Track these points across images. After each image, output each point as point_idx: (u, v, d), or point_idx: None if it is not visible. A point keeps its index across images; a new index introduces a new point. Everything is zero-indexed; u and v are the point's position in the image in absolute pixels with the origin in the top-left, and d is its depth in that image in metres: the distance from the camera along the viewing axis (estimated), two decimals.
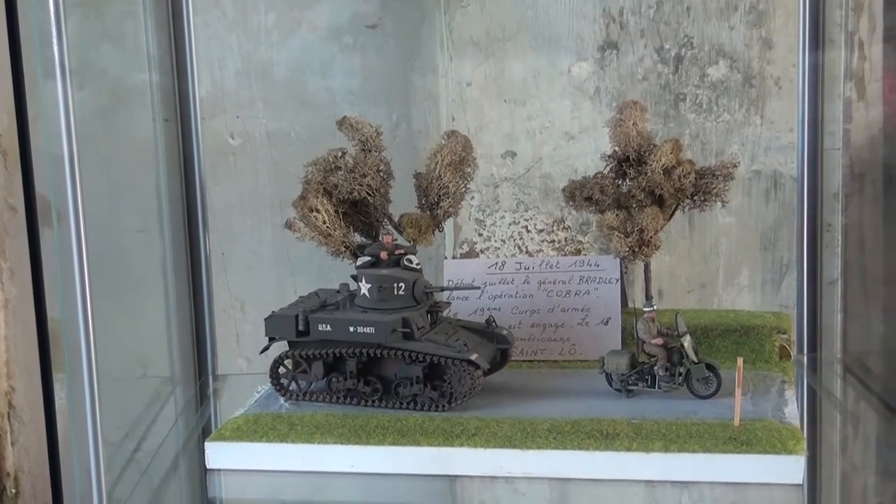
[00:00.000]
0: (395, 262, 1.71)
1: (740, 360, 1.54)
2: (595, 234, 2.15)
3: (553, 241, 2.17)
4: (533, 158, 2.15)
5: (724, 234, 2.17)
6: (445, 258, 2.11)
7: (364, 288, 1.69)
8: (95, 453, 1.42)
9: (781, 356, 1.82)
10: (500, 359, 1.73)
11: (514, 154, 2.15)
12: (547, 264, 1.86)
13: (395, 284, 1.68)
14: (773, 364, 1.80)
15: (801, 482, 1.49)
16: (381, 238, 1.73)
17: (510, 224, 2.17)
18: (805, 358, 1.98)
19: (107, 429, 1.75)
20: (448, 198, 1.81)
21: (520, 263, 1.87)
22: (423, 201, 1.83)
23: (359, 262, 1.71)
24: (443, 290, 1.75)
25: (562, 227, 2.16)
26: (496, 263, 1.88)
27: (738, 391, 1.54)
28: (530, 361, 1.85)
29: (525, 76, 2.13)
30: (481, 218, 2.17)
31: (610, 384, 1.70)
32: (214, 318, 2.08)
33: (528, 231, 2.17)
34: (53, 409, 1.82)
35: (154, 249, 2.08)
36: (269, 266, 2.23)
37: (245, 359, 2.22)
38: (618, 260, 1.82)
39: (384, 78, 2.16)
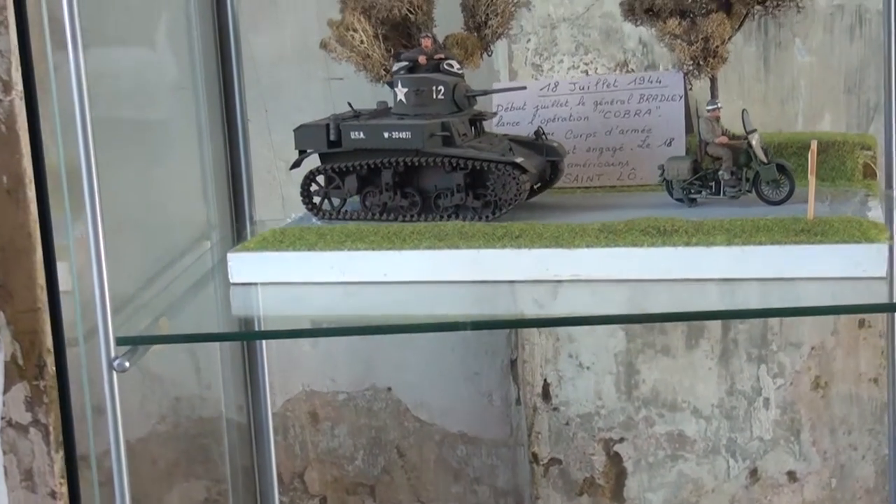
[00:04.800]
0: (435, 67, 1.58)
1: (814, 144, 1.38)
2: None
3: None
4: None
5: (803, 75, 1.99)
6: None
7: (400, 93, 1.56)
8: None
9: (866, 174, 1.64)
10: (551, 173, 1.59)
11: None
12: (604, 83, 1.71)
13: (434, 87, 1.55)
14: (857, 182, 1.63)
15: (883, 275, 1.32)
16: (420, 43, 1.60)
17: (569, 69, 2.02)
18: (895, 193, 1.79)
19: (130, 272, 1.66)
20: (496, 16, 1.68)
21: (574, 84, 1.72)
22: (470, 22, 1.70)
23: (395, 68, 1.58)
24: (486, 93, 1.61)
25: (625, 70, 2.00)
26: (549, 84, 1.73)
27: (811, 178, 1.38)
28: (586, 188, 1.70)
29: None
30: (538, 62, 2.02)
31: (671, 194, 1.54)
32: (252, 169, 1.94)
33: (589, 76, 2.01)
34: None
35: (188, 105, 1.98)
36: None
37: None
38: (681, 74, 1.66)
39: None
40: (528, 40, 2.00)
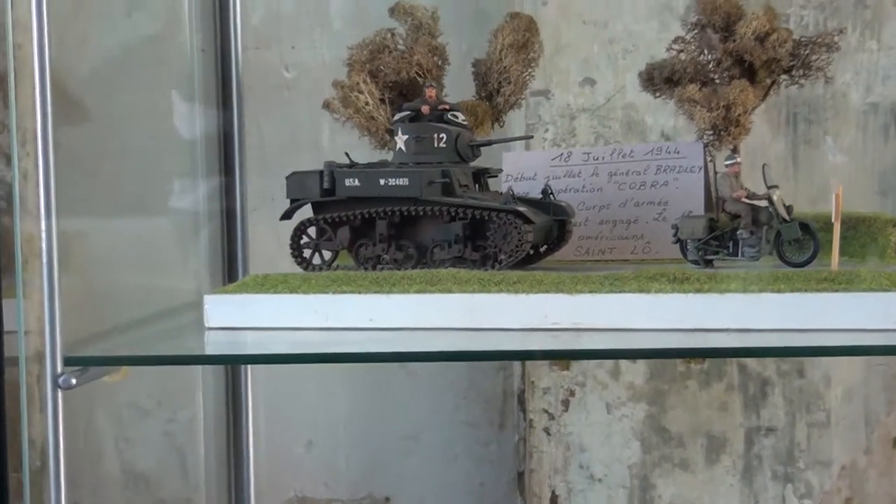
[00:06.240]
0: (438, 118, 1.50)
1: (839, 188, 1.28)
2: None
3: None
4: (615, 87, 1.93)
5: (834, 174, 1.90)
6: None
7: (401, 141, 1.48)
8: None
9: None
10: (559, 234, 1.49)
11: (593, 82, 1.94)
12: (619, 153, 1.62)
13: (436, 135, 1.47)
14: (889, 258, 1.51)
15: None
16: (424, 92, 1.52)
17: None
18: None
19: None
20: (509, 84, 1.62)
21: (587, 154, 1.63)
22: (482, 92, 1.63)
23: (396, 117, 1.51)
24: (490, 142, 1.52)
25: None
26: (561, 154, 1.64)
27: (836, 225, 1.27)
28: (597, 261, 1.59)
29: None
30: None
31: (685, 255, 1.43)
32: (248, 248, 1.86)
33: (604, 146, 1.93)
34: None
35: (188, 194, 1.93)
36: None
37: None
38: (701, 144, 1.57)
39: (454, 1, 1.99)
40: (546, 130, 1.93)
